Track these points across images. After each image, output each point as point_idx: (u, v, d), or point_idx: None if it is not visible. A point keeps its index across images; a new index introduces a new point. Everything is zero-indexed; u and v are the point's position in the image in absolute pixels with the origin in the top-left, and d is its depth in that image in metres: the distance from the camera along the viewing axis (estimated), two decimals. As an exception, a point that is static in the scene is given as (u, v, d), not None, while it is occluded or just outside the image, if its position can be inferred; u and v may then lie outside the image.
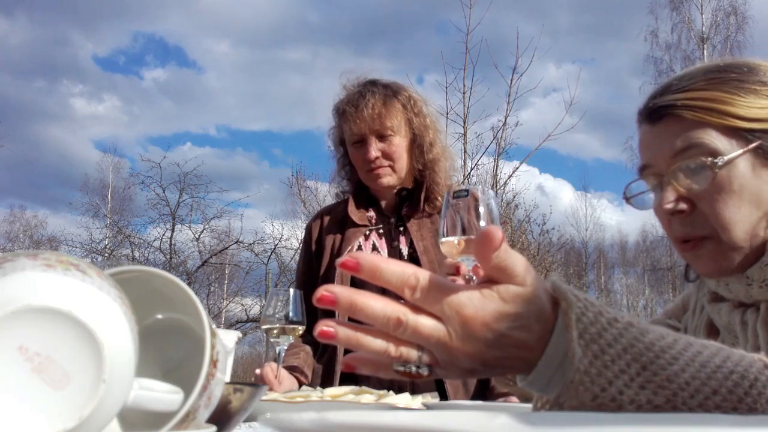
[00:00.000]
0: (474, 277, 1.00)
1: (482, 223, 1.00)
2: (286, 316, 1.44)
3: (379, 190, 1.88)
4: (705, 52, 15.34)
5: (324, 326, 0.55)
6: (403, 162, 1.82)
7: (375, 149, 1.78)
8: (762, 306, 0.84)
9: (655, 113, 0.89)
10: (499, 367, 0.56)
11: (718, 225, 0.84)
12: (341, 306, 0.54)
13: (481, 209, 1.00)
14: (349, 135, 1.82)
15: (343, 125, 1.84)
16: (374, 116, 1.76)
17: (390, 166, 1.80)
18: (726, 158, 0.83)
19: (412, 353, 0.55)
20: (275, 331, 1.45)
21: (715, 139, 0.84)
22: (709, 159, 0.83)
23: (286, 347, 1.49)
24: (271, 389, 1.50)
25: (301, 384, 1.70)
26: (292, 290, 1.47)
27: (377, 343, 0.55)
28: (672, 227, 0.89)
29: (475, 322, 0.53)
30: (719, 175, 0.83)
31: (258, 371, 1.57)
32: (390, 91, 1.82)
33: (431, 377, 0.57)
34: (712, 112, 0.84)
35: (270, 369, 1.53)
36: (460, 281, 1.01)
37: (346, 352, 1.71)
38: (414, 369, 0.55)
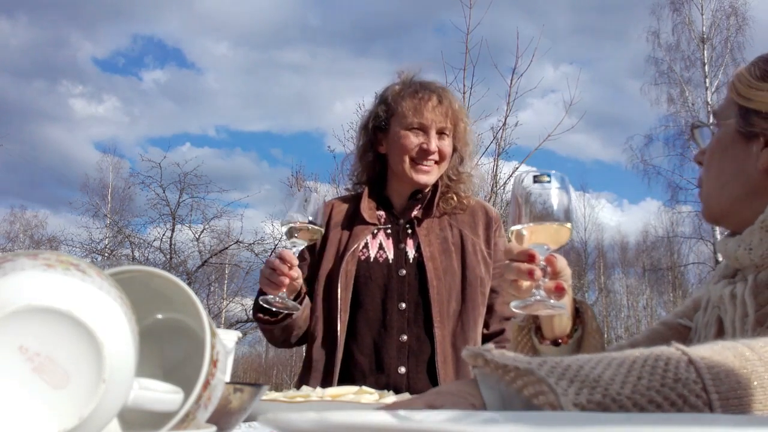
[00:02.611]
0: (548, 268, 0.98)
1: (556, 209, 0.97)
2: (306, 218, 1.46)
3: (406, 184, 1.84)
4: (705, 52, 15.32)
5: None
6: (446, 166, 1.83)
7: (435, 143, 1.78)
8: (749, 277, 0.87)
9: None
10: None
11: (703, 177, 1.00)
12: None
13: (555, 196, 0.97)
14: (411, 120, 1.78)
15: (406, 107, 1.80)
16: (446, 111, 1.79)
17: (438, 163, 1.80)
18: (714, 124, 0.98)
19: None
20: (295, 231, 1.47)
21: (725, 110, 0.95)
22: (713, 123, 0.98)
23: (299, 249, 1.52)
24: (282, 273, 1.51)
25: (300, 294, 1.68)
26: (314, 194, 1.48)
27: None
28: None
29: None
30: (713, 138, 0.98)
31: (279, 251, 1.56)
32: (455, 101, 1.86)
33: None
34: (736, 87, 0.94)
35: (290, 253, 1.53)
36: (537, 271, 0.96)
37: (345, 350, 1.72)
38: None
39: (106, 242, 15.26)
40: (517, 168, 10.77)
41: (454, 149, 1.85)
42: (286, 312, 1.63)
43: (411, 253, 1.77)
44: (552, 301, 0.96)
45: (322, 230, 1.48)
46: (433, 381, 1.68)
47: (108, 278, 0.51)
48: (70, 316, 0.45)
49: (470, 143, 1.90)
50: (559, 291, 0.97)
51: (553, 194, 0.98)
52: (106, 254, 14.28)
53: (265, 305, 1.54)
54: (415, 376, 1.68)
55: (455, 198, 1.83)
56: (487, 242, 1.83)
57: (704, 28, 15.42)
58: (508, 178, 10.74)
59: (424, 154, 1.77)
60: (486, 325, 1.81)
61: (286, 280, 1.52)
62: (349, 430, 0.39)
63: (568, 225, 0.97)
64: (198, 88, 38.47)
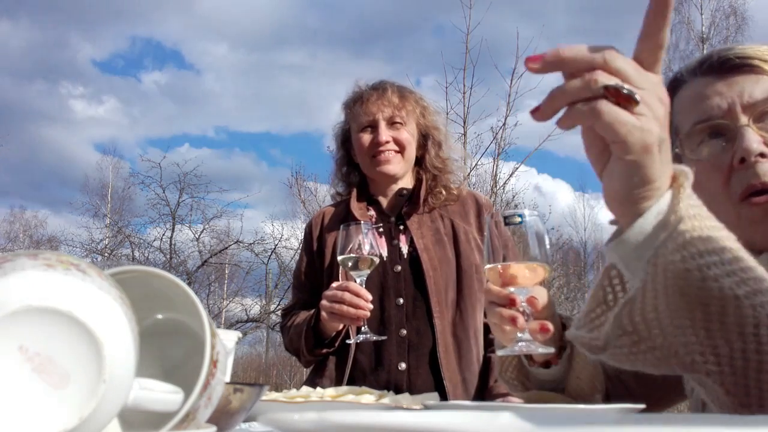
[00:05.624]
0: (530, 310, 0.97)
1: (532, 250, 0.95)
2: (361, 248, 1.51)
3: (380, 181, 1.88)
4: (704, 52, 15.32)
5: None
6: (410, 153, 1.86)
7: (386, 134, 1.81)
8: None
9: (727, 63, 0.89)
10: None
11: None
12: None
13: (530, 236, 0.96)
14: (361, 120, 1.85)
15: (355, 110, 1.87)
16: (390, 102, 1.83)
17: (399, 153, 1.83)
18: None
19: None
20: (350, 263, 1.51)
21: None
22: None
23: (365, 278, 1.55)
24: (362, 307, 1.54)
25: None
26: (363, 225, 1.53)
27: None
28: (732, 181, 0.86)
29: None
30: None
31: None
32: (406, 90, 1.92)
33: None
34: None
35: (360, 288, 1.56)
36: (520, 318, 0.95)
37: (348, 349, 1.72)
38: None
39: (106, 242, 15.27)
40: (516, 168, 10.79)
41: (426, 136, 1.89)
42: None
43: (404, 248, 1.80)
44: (540, 348, 0.95)
45: (378, 258, 1.53)
46: (435, 375, 1.68)
47: (108, 278, 0.51)
48: (70, 316, 0.45)
49: (441, 126, 1.94)
50: (544, 332, 0.95)
51: (526, 235, 0.96)
52: (106, 254, 14.29)
53: (358, 341, 1.58)
54: (415, 371, 1.69)
55: (444, 192, 1.86)
56: (480, 230, 1.85)
57: (704, 28, 15.43)
58: (508, 178, 10.75)
59: (377, 146, 1.81)
60: (486, 313, 1.82)
61: (368, 313, 1.55)
62: (349, 430, 0.39)
63: (545, 265, 0.96)
64: (197, 89, 38.40)
